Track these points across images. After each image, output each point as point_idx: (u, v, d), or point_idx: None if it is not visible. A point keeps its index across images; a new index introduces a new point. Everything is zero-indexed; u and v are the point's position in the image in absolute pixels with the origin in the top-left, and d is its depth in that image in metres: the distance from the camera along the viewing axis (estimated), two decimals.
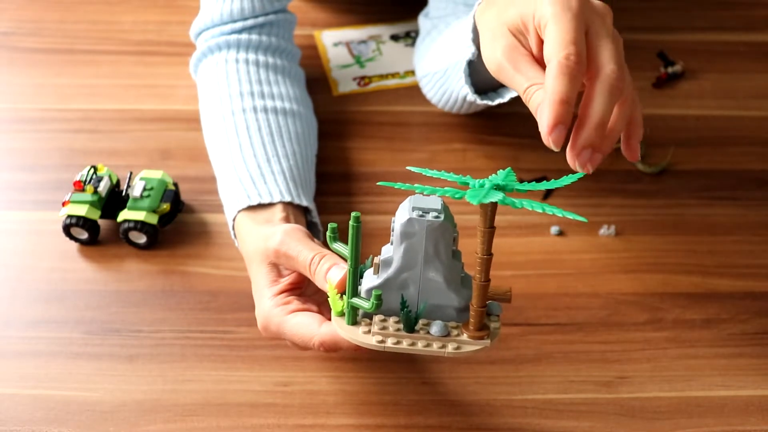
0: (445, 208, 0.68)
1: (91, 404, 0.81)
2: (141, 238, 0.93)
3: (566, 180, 0.66)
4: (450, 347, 0.69)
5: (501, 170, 0.65)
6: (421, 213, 0.67)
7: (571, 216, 0.62)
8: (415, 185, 0.65)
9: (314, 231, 0.90)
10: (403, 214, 0.68)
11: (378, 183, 0.70)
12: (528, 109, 0.70)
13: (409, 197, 0.69)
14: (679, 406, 0.82)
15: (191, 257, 0.93)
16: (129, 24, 1.21)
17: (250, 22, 0.99)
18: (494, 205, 0.64)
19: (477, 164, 1.03)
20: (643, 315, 0.89)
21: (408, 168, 0.69)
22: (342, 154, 1.04)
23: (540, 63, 0.71)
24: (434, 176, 0.67)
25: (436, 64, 0.98)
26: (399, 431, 0.80)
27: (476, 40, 0.85)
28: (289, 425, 0.80)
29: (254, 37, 0.99)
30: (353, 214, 0.66)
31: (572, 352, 0.86)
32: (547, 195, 1.00)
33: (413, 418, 0.81)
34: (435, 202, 0.68)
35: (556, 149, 0.67)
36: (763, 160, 1.06)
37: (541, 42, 0.70)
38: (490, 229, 0.65)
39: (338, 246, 0.71)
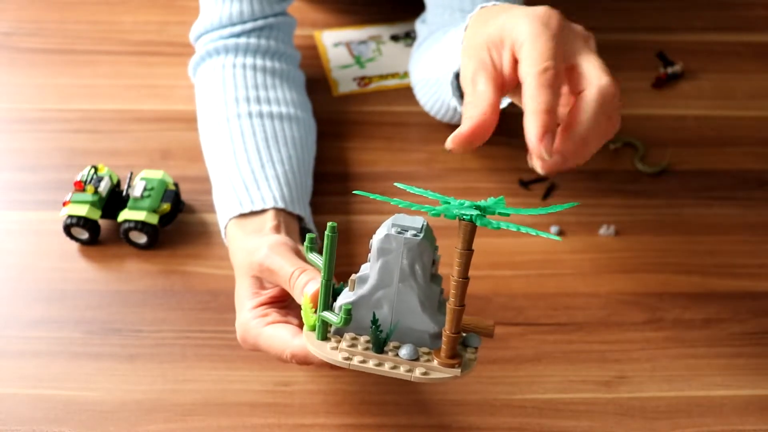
0: (428, 229, 0.66)
1: (92, 404, 0.81)
2: (141, 238, 0.93)
3: (556, 208, 0.64)
4: (417, 372, 0.66)
5: (492, 197, 0.64)
6: (399, 230, 0.66)
7: (546, 235, 0.60)
8: (394, 199, 0.64)
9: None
10: (382, 230, 0.66)
11: (353, 192, 0.69)
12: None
13: (394, 215, 0.67)
14: (678, 405, 0.82)
15: (191, 257, 0.93)
16: (129, 24, 1.21)
17: (249, 26, 0.99)
18: (473, 226, 0.62)
19: (476, 165, 1.02)
20: (643, 315, 0.89)
21: (395, 184, 0.68)
22: (341, 154, 1.04)
23: (508, 81, 0.71)
24: (418, 194, 0.65)
25: (429, 72, 0.97)
26: (399, 431, 0.80)
27: None
28: (289, 425, 0.80)
29: (253, 40, 0.99)
30: (329, 224, 0.65)
31: (572, 352, 0.86)
32: (546, 196, 0.99)
33: (413, 418, 0.81)
34: (417, 221, 0.66)
35: (547, 157, 0.67)
36: (762, 160, 1.06)
37: (514, 61, 0.70)
38: (467, 251, 0.63)
39: (313, 257, 0.70)
